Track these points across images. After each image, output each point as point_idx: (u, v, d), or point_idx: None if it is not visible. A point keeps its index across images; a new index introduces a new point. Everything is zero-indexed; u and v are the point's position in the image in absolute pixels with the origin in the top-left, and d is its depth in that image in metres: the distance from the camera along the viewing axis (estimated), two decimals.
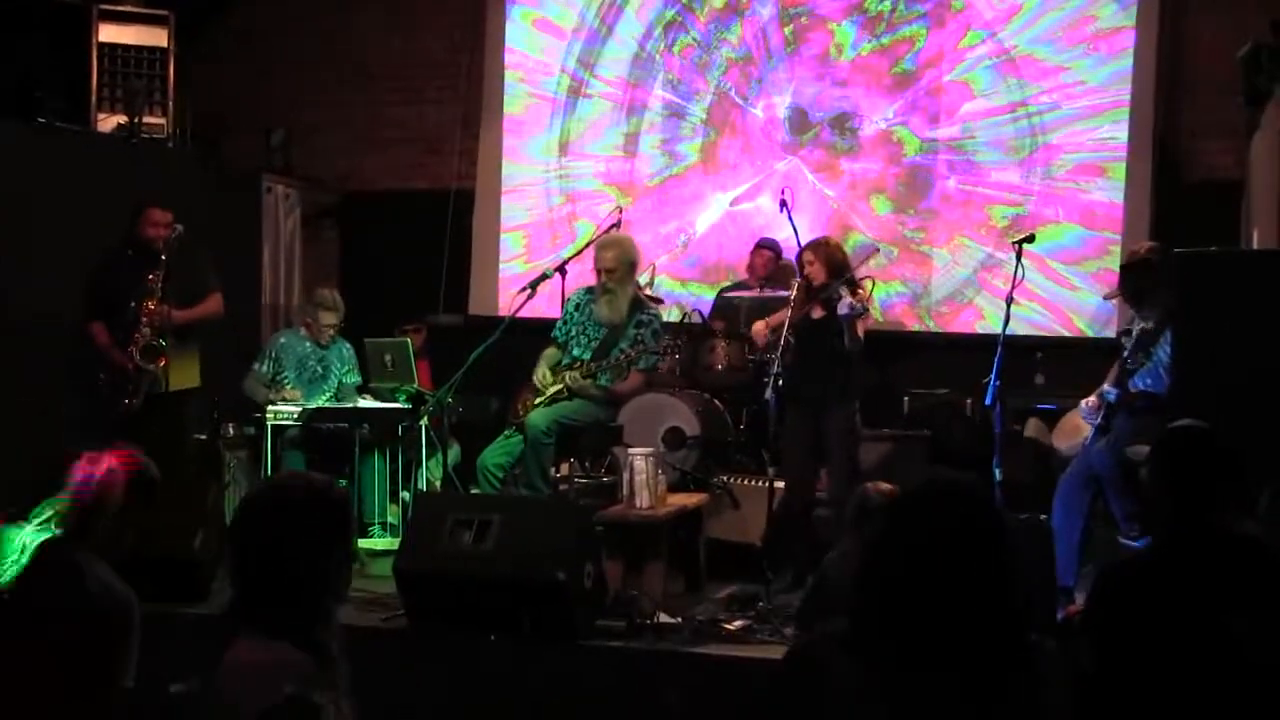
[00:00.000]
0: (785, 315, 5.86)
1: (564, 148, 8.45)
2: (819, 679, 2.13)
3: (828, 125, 7.98)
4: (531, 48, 8.52)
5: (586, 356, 6.15)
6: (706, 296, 7.89)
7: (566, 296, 6.46)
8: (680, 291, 8.12)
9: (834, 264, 5.86)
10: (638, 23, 8.30)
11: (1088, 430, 5.63)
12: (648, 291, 7.35)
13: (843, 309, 5.64)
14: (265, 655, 2.23)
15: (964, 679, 2.03)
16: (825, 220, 7.85)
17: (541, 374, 6.18)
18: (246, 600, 2.29)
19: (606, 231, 6.54)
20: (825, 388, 5.78)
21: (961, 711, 2.03)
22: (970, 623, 2.05)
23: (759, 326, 6.08)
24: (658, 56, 8.28)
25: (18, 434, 6.14)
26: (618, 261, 6.10)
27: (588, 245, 6.52)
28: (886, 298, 7.74)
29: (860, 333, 5.77)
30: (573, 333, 6.26)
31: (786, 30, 8.04)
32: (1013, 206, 7.64)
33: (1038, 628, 2.22)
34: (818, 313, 5.82)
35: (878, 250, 6.67)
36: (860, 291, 5.79)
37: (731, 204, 8.15)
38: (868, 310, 5.80)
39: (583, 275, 6.62)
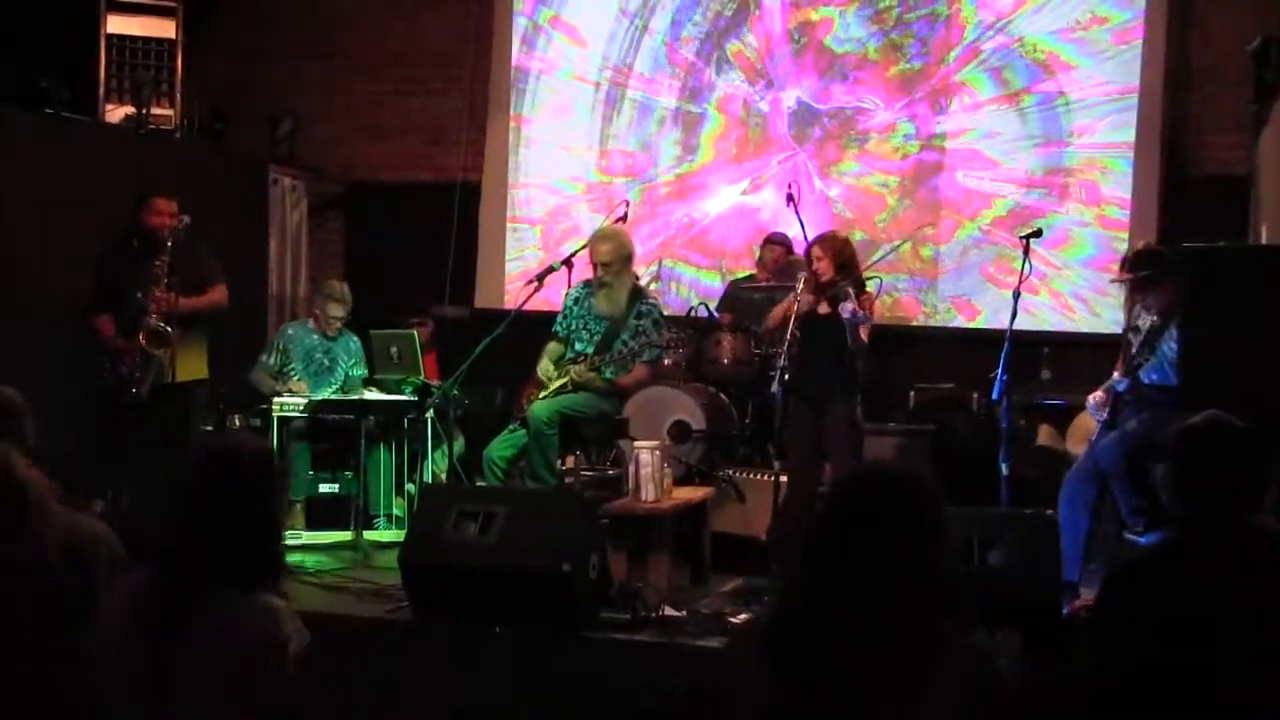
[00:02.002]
0: (790, 306, 5.86)
1: (578, 142, 8.45)
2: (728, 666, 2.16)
3: (834, 119, 7.96)
4: (545, 44, 8.51)
5: (590, 350, 6.15)
6: (714, 284, 7.89)
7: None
8: (692, 275, 8.13)
9: (842, 260, 5.85)
10: (651, 15, 8.29)
11: (1097, 430, 5.62)
12: (653, 287, 7.35)
13: (845, 312, 5.63)
14: (255, 605, 2.45)
15: (881, 672, 2.03)
16: (831, 215, 7.84)
17: (545, 367, 6.18)
18: (213, 562, 2.45)
19: (606, 224, 6.55)
20: (829, 383, 5.77)
21: (878, 711, 2.03)
22: (885, 612, 2.04)
23: (776, 312, 6.04)
24: (664, 49, 8.27)
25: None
26: (614, 255, 6.09)
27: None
28: (892, 291, 7.74)
29: (865, 337, 5.77)
30: (574, 327, 6.25)
31: (793, 24, 8.03)
32: (1019, 200, 7.63)
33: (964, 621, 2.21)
34: (823, 309, 5.82)
35: (895, 248, 6.68)
36: (865, 297, 5.79)
37: (740, 195, 8.14)
38: (870, 319, 5.79)
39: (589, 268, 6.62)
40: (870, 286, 5.94)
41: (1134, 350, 5.44)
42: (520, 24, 8.54)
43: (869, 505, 2.14)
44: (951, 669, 2.07)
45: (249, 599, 2.45)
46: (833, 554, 2.10)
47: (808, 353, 5.76)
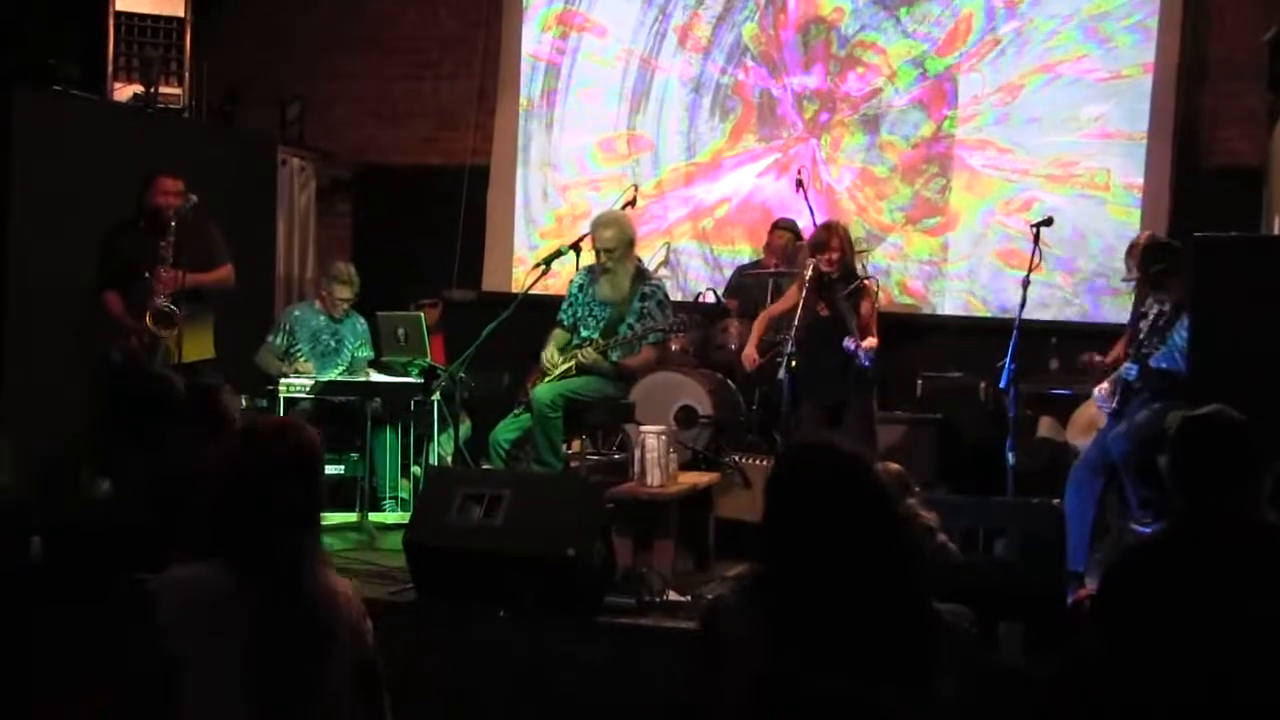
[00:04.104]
0: (793, 299, 5.87)
1: (587, 126, 8.43)
2: (719, 636, 2.17)
3: (845, 106, 7.93)
4: (557, 30, 8.49)
5: (596, 335, 6.13)
6: (721, 271, 7.90)
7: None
8: (699, 260, 8.12)
9: (847, 249, 5.89)
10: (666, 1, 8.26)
11: (1102, 423, 5.60)
12: (662, 271, 7.34)
13: (849, 344, 5.68)
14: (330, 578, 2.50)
15: (878, 643, 2.04)
16: (840, 202, 7.82)
17: (550, 353, 6.16)
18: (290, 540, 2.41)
19: (609, 210, 6.54)
20: (840, 384, 5.79)
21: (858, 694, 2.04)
22: (857, 584, 2.06)
23: (749, 353, 6.14)
24: (676, 35, 8.24)
25: (35, 402, 6.15)
26: (617, 240, 6.08)
27: None
28: (901, 280, 7.72)
29: (874, 335, 5.81)
30: (579, 314, 6.24)
31: (806, 9, 7.99)
32: (1030, 189, 7.59)
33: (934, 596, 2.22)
34: (823, 310, 5.82)
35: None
36: (866, 300, 5.84)
37: (749, 181, 8.12)
38: (872, 355, 5.79)
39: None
40: (872, 287, 6.01)
41: (1142, 337, 5.42)
42: (532, 8, 8.51)
43: (806, 477, 2.17)
44: (942, 640, 2.09)
45: (318, 565, 2.48)
46: (786, 525, 2.13)
47: (815, 356, 5.75)
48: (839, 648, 2.04)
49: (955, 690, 2.10)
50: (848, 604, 2.05)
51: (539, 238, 8.41)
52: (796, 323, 5.73)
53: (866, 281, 6.02)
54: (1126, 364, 5.42)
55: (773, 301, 6.54)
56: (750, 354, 6.21)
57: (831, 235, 5.89)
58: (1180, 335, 5.16)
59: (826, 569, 2.07)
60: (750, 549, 5.58)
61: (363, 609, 2.50)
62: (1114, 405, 5.45)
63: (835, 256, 5.83)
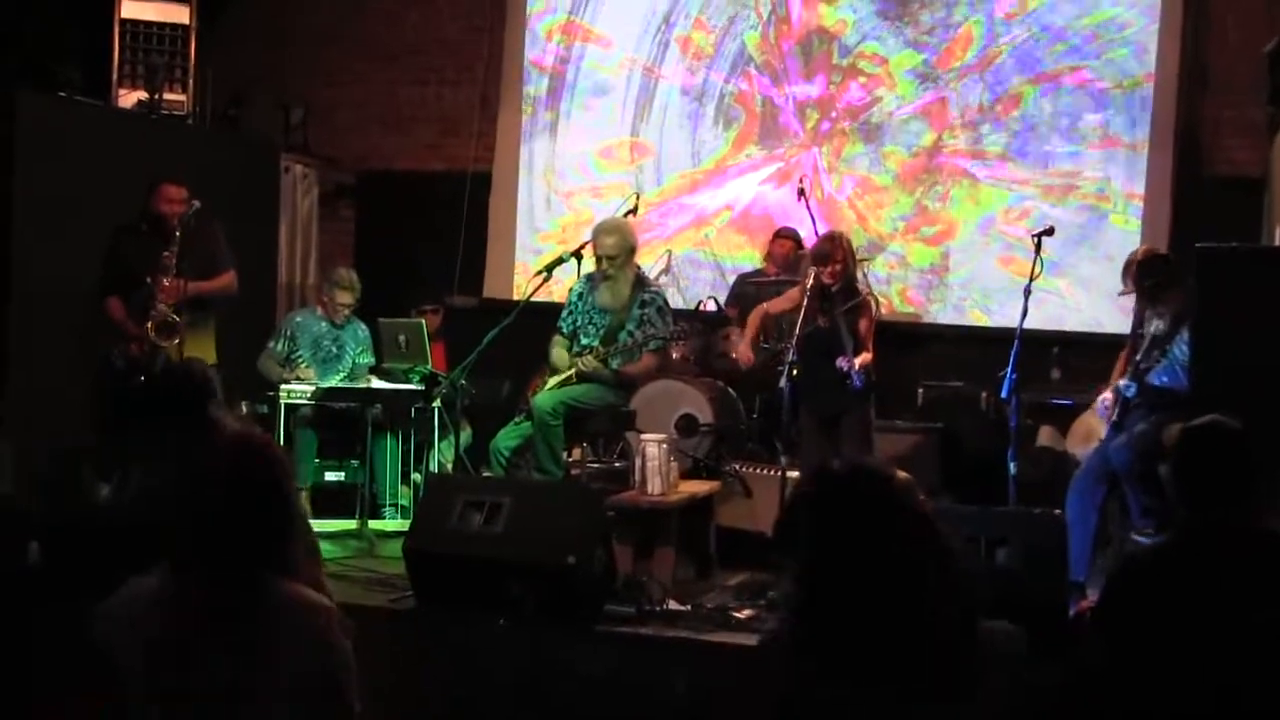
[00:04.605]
0: (795, 300, 5.89)
1: (590, 134, 8.44)
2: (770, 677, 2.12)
3: (846, 115, 7.94)
4: (560, 37, 8.50)
5: (596, 343, 6.13)
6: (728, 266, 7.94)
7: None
8: (699, 268, 8.13)
9: (850, 261, 5.90)
10: (669, 10, 8.27)
11: (1102, 432, 5.59)
12: (662, 279, 7.34)
13: (842, 364, 5.71)
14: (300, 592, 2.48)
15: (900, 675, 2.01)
16: (841, 211, 7.82)
17: (559, 354, 6.16)
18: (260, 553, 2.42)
19: (611, 217, 6.54)
20: (838, 394, 5.80)
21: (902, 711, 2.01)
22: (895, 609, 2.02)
23: (743, 350, 6.16)
24: (679, 44, 8.25)
25: (38, 406, 6.16)
26: (619, 248, 6.07)
27: None
28: (902, 289, 7.72)
29: (869, 351, 5.83)
30: (579, 322, 6.23)
31: (808, 19, 8.00)
32: (1031, 198, 7.60)
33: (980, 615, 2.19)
34: (823, 321, 5.83)
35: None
36: (866, 315, 5.89)
37: (750, 189, 8.12)
38: (869, 374, 5.81)
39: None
40: (871, 302, 6.02)
41: (1139, 357, 5.42)
42: (536, 16, 8.52)
43: (841, 499, 2.12)
44: (991, 659, 2.07)
45: (290, 583, 2.47)
46: (833, 551, 2.08)
47: (813, 366, 5.76)
48: (891, 671, 2.01)
49: (1005, 710, 2.08)
50: (900, 628, 2.02)
51: (541, 244, 8.41)
52: (798, 332, 5.73)
53: (867, 297, 6.01)
54: (1125, 381, 5.42)
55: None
56: (745, 352, 6.22)
57: (835, 247, 5.89)
58: (1181, 349, 5.16)
59: (878, 594, 2.03)
60: (751, 558, 5.62)
61: (337, 627, 2.48)
62: (1114, 416, 5.44)
63: (838, 269, 5.84)
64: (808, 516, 2.11)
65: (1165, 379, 5.26)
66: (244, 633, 2.38)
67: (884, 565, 2.03)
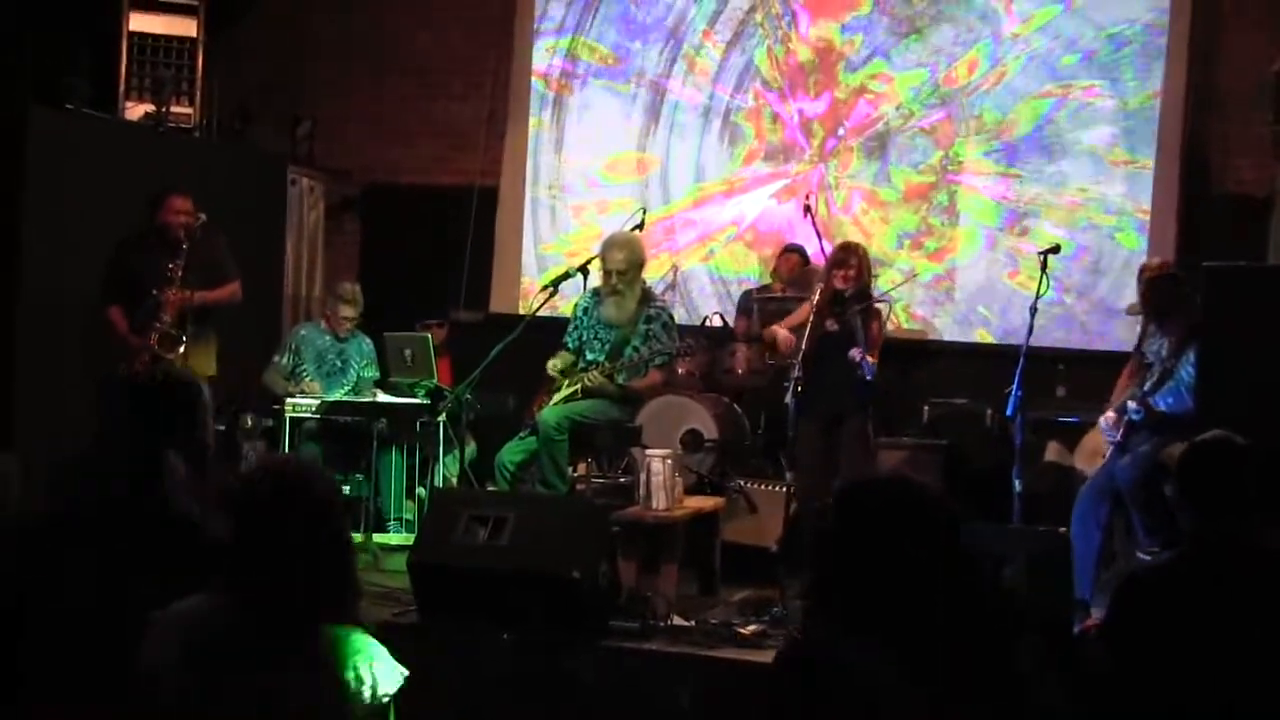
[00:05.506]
0: (805, 315, 5.88)
1: (597, 149, 8.45)
2: (811, 679, 2.10)
3: (853, 132, 7.95)
4: (568, 52, 8.52)
5: (602, 359, 6.12)
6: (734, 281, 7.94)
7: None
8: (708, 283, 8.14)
9: (865, 270, 5.91)
10: (675, 27, 8.28)
11: (1108, 451, 5.58)
12: (668, 294, 7.34)
13: (855, 354, 5.71)
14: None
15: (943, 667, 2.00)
16: (847, 227, 7.82)
17: (554, 364, 6.12)
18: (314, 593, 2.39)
19: (619, 231, 6.53)
20: (840, 400, 5.79)
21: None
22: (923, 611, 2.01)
23: (783, 334, 6.07)
24: (685, 62, 8.26)
25: (49, 416, 6.16)
26: (628, 263, 6.05)
27: None
28: (908, 305, 7.72)
29: (874, 360, 5.82)
30: (585, 337, 6.20)
31: (816, 37, 8.02)
32: (1037, 215, 7.60)
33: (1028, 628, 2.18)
34: (832, 325, 5.83)
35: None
36: (875, 323, 5.88)
37: (758, 205, 8.13)
38: (875, 368, 5.80)
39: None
40: (881, 310, 6.00)
41: (1146, 387, 5.39)
42: (543, 31, 8.53)
43: (876, 515, 2.10)
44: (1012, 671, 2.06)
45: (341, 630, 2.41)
46: (867, 563, 2.06)
47: (819, 369, 5.75)
48: (926, 684, 2.00)
49: None
50: (934, 643, 2.01)
51: (547, 259, 8.42)
52: (804, 345, 5.73)
53: (879, 305, 6.02)
54: (1134, 405, 5.38)
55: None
56: (786, 335, 6.08)
57: (850, 254, 5.94)
58: (1187, 370, 5.15)
59: (911, 609, 2.02)
60: (756, 574, 5.61)
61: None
62: (1118, 436, 5.43)
63: (853, 274, 5.85)
64: (845, 528, 2.10)
65: (1171, 401, 5.24)
66: (289, 668, 2.34)
67: (920, 577, 2.02)
